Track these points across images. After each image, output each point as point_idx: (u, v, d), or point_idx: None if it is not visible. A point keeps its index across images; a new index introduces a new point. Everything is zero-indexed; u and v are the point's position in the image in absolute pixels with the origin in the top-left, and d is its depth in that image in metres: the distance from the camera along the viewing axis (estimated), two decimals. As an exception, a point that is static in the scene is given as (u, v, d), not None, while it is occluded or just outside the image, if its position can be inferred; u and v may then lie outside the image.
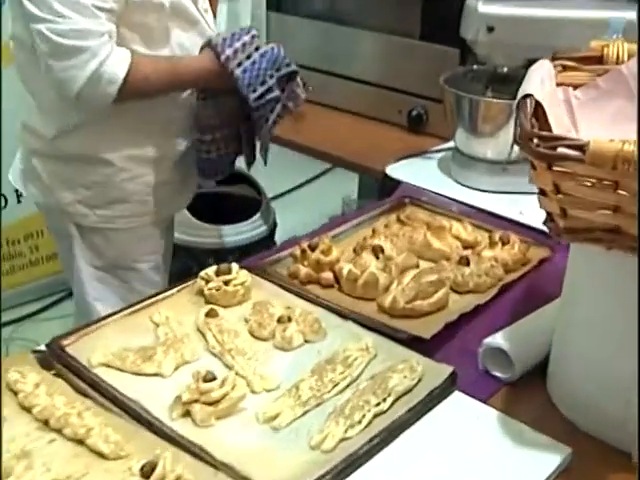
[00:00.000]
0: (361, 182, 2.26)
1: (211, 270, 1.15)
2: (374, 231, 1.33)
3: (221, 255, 2.19)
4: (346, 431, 0.86)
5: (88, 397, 0.91)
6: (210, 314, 1.08)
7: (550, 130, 0.79)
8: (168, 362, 0.99)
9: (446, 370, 0.96)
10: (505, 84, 1.55)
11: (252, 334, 1.06)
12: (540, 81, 0.86)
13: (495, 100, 1.53)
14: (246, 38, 1.38)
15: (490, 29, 1.48)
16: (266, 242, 2.33)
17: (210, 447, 0.83)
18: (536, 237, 1.28)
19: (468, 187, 1.56)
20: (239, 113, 1.43)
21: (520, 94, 0.82)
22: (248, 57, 1.37)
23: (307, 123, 2.04)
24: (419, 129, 1.91)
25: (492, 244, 1.26)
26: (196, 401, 0.90)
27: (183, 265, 2.08)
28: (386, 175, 1.63)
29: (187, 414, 0.90)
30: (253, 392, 0.94)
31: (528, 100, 0.80)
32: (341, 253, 1.23)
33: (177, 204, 1.60)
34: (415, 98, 1.91)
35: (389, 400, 0.91)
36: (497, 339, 1.00)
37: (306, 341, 1.05)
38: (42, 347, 1.01)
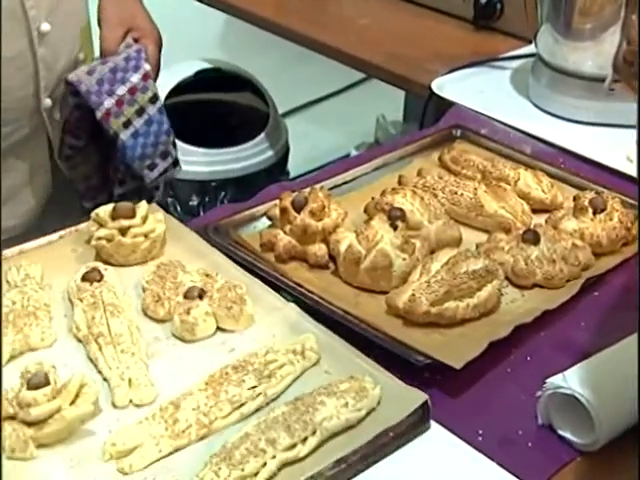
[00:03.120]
0: (408, 100, 2.18)
1: (105, 210, 1.04)
2: (401, 180, 1.21)
3: (209, 190, 2.18)
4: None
5: None
6: (89, 277, 0.98)
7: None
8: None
9: (416, 398, 0.83)
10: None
11: (145, 312, 0.98)
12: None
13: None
14: (134, 79, 1.20)
15: None
16: (273, 173, 2.24)
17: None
18: (650, 200, 1.14)
19: (553, 115, 1.45)
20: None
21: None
22: (139, 112, 1.21)
23: (332, 11, 1.97)
24: (490, 24, 1.79)
25: (579, 210, 1.12)
26: (12, 418, 0.78)
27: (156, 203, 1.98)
28: (433, 92, 1.50)
29: (-1, 437, 0.79)
30: (115, 406, 0.84)
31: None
32: (343, 215, 1.11)
33: None
34: (486, -22, 1.80)
35: (311, 441, 0.79)
36: (570, 380, 0.85)
37: (219, 329, 0.95)
38: None
